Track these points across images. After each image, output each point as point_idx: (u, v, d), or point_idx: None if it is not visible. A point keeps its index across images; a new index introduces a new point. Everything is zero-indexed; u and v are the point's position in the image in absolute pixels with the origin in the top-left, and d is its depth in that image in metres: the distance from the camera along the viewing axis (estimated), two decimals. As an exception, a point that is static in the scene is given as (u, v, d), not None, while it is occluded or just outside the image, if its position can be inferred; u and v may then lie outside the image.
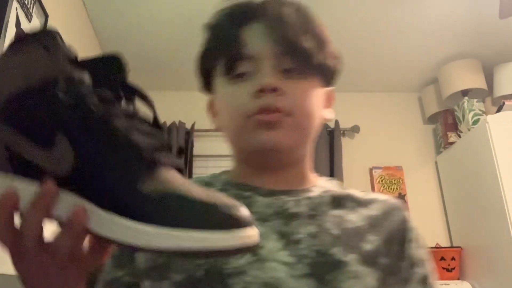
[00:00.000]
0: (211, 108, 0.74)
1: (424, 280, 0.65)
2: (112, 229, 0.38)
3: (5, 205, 0.38)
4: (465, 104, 2.80)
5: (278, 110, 0.62)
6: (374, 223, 0.65)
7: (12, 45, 0.42)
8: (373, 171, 3.01)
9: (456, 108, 2.89)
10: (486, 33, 2.66)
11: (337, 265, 0.58)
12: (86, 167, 0.39)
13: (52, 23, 1.80)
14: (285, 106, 0.62)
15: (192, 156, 2.90)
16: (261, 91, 0.62)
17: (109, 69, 0.44)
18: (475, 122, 2.71)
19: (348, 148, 3.14)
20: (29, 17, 1.54)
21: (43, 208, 0.38)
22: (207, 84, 0.73)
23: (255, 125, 0.62)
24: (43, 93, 0.39)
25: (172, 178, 0.40)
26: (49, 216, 0.39)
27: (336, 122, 3.08)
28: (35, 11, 1.59)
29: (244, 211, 0.38)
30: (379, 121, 3.20)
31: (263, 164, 0.67)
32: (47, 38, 0.43)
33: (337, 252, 0.59)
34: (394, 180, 2.97)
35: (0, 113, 0.40)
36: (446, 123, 2.99)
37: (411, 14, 2.46)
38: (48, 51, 0.42)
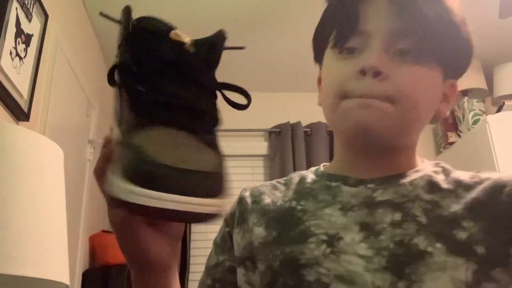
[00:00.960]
0: (319, 82, 0.70)
1: None
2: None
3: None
4: (465, 104, 2.80)
5: (378, 97, 0.56)
6: (473, 207, 0.56)
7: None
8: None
9: (456, 108, 2.89)
10: (486, 33, 2.66)
11: (419, 256, 0.52)
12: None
13: (52, 23, 1.80)
14: (387, 93, 0.56)
15: (192, 156, 2.89)
16: (363, 72, 0.56)
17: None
18: (475, 122, 2.72)
19: (348, 148, 3.14)
20: (29, 17, 1.54)
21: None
22: (319, 55, 0.68)
23: (353, 104, 0.57)
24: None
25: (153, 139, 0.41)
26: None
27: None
28: (35, 11, 1.59)
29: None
30: (379, 121, 3.20)
31: (358, 147, 0.63)
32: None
33: (421, 241, 0.53)
34: (394, 180, 2.97)
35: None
36: (446, 123, 2.99)
37: (411, 14, 2.46)
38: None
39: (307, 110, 3.20)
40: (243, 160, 3.08)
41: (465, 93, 2.87)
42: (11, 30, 1.41)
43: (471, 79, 2.84)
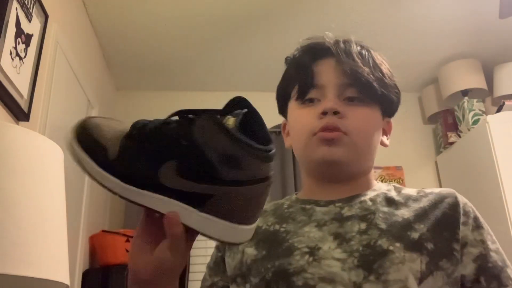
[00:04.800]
0: (284, 129, 0.88)
1: (479, 258, 0.69)
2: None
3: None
4: (465, 104, 2.80)
5: (338, 129, 0.73)
6: (421, 214, 0.72)
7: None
8: (373, 171, 3.00)
9: (456, 108, 2.89)
10: (486, 33, 2.66)
11: (383, 254, 0.66)
12: None
13: (52, 23, 1.80)
14: (344, 126, 0.73)
15: (192, 156, 2.89)
16: (324, 113, 0.74)
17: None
18: (475, 122, 2.71)
19: (348, 148, 3.14)
20: (29, 17, 1.54)
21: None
22: (283, 108, 0.86)
23: (318, 142, 0.74)
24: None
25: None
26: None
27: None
28: (35, 11, 1.59)
29: None
30: (379, 121, 3.20)
31: (325, 176, 0.78)
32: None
33: (383, 243, 0.67)
34: (394, 180, 2.97)
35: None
36: (446, 123, 2.99)
37: (411, 15, 2.46)
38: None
39: (307, 110, 3.20)
40: (243, 160, 3.07)
41: (465, 93, 2.87)
42: (11, 30, 1.41)
43: (471, 79, 2.84)
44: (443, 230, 0.70)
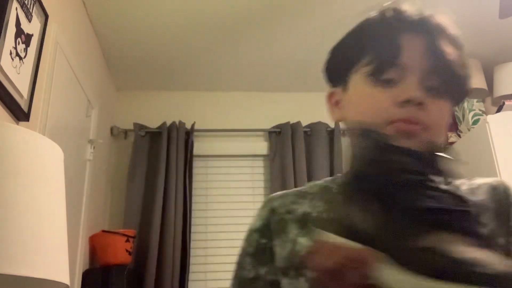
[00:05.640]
0: (332, 98, 0.77)
1: None
2: None
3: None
4: (465, 104, 2.80)
5: (419, 123, 0.65)
6: (483, 207, 0.68)
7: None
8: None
9: (456, 108, 2.89)
10: (486, 33, 2.66)
11: None
12: None
13: (52, 23, 1.80)
14: (425, 121, 0.65)
15: (192, 156, 2.90)
16: (407, 102, 0.64)
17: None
18: (475, 122, 2.71)
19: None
20: (29, 17, 1.54)
21: None
22: (337, 75, 0.75)
23: (395, 132, 0.65)
24: None
25: None
26: None
27: (336, 122, 3.08)
28: (35, 11, 1.59)
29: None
30: (379, 121, 3.20)
31: None
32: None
33: None
34: (394, 180, 2.97)
35: None
36: (446, 123, 2.99)
37: (411, 14, 2.46)
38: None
39: (307, 110, 3.20)
40: (243, 160, 3.08)
41: (465, 93, 2.87)
42: (11, 30, 1.41)
43: (471, 79, 2.84)
44: (502, 223, 0.66)
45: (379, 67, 0.67)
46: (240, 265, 0.73)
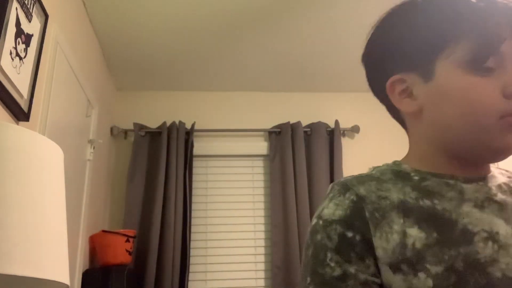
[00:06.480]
0: (397, 86, 0.70)
1: None
2: None
3: None
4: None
5: None
6: None
7: None
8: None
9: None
10: None
11: None
12: None
13: (52, 23, 1.80)
14: None
15: (192, 156, 2.90)
16: None
17: None
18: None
19: (348, 148, 3.14)
20: (29, 17, 1.54)
21: None
22: (409, 61, 0.68)
23: (508, 127, 0.61)
24: None
25: None
26: None
27: (336, 122, 3.08)
28: (35, 11, 1.59)
29: None
30: (379, 121, 3.20)
31: (477, 159, 0.66)
32: None
33: None
34: (394, 180, 2.97)
35: None
36: (446, 123, 2.99)
37: (411, 14, 2.46)
38: None
39: (307, 110, 3.20)
40: (243, 160, 3.08)
41: (465, 93, 2.86)
42: (11, 30, 1.41)
43: None
44: None
45: (481, 54, 0.61)
46: (319, 260, 0.63)
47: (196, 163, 3.00)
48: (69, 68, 2.04)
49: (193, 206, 2.89)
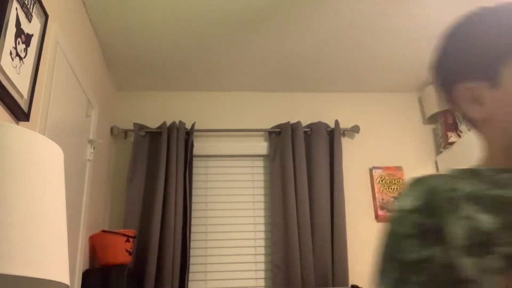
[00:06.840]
0: (468, 93, 0.74)
1: None
2: None
3: None
4: (465, 104, 2.80)
5: None
6: None
7: None
8: (373, 171, 3.01)
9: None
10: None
11: None
12: None
13: (52, 23, 1.80)
14: None
15: (192, 156, 2.90)
16: None
17: None
18: (475, 122, 2.71)
19: (348, 148, 3.14)
20: (29, 17, 1.54)
21: None
22: (475, 69, 0.70)
23: None
24: None
25: None
26: None
27: (336, 122, 3.08)
28: (35, 11, 1.59)
29: None
30: (379, 121, 3.20)
31: None
32: None
33: None
34: (394, 180, 2.97)
35: None
36: (446, 123, 2.99)
37: (411, 14, 2.46)
38: None
39: (307, 110, 3.20)
40: (243, 160, 3.08)
41: (465, 93, 2.87)
42: (11, 30, 1.41)
43: None
44: None
45: None
46: (396, 248, 0.67)
47: (196, 163, 3.00)
48: (69, 68, 2.04)
49: (193, 206, 2.89)
